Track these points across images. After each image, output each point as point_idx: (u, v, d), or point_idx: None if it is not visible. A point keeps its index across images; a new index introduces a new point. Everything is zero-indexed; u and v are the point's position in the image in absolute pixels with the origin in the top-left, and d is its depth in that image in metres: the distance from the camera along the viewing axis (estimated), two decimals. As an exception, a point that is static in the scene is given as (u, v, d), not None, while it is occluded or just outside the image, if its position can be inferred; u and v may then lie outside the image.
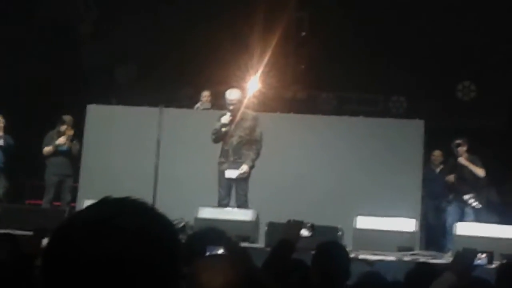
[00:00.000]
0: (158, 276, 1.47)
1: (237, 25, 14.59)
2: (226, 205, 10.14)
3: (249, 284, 3.07)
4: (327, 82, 15.26)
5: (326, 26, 15.26)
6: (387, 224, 9.72)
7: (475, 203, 10.82)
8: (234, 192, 10.23)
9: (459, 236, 9.55)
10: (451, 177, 11.12)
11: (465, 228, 9.74)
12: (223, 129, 10.14)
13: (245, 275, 3.04)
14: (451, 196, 11.20)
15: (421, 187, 11.68)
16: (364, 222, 9.73)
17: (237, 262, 3.06)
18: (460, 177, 11.07)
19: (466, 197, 10.87)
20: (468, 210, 10.87)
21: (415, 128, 12.03)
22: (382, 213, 10.06)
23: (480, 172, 10.98)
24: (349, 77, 14.87)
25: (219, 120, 10.31)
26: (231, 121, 10.15)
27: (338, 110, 14.77)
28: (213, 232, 4.26)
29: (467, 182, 11.03)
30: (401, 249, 9.19)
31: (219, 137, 10.25)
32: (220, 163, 10.29)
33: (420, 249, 9.89)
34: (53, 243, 1.49)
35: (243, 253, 3.24)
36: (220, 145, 10.34)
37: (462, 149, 11.10)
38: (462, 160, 11.07)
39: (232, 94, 10.23)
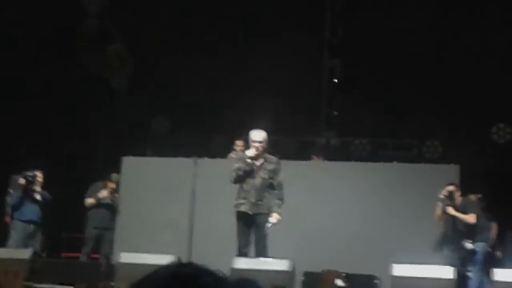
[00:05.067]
0: None
1: (269, 74, 14.70)
2: (247, 254, 9.90)
3: None
4: (360, 128, 15.24)
5: (358, 73, 15.31)
6: (424, 272, 9.59)
7: (467, 245, 10.94)
8: (254, 239, 10.00)
9: (498, 282, 9.43)
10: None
11: (503, 275, 9.61)
12: (249, 162, 9.97)
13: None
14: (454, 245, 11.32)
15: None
16: (401, 270, 9.63)
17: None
18: (455, 226, 11.30)
19: (462, 242, 11.02)
20: (468, 254, 10.95)
21: (450, 173, 11.97)
22: (417, 261, 9.96)
23: (469, 218, 11.10)
24: (382, 123, 14.85)
25: (239, 159, 10.20)
26: (256, 159, 10.07)
27: (372, 156, 14.71)
28: (246, 283, 4.26)
29: (462, 229, 11.23)
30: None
31: (242, 175, 9.98)
32: (239, 204, 10.01)
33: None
34: None
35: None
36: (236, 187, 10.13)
37: (452, 198, 11.25)
38: (450, 211, 11.20)
39: (257, 135, 10.07)
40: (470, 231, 11.12)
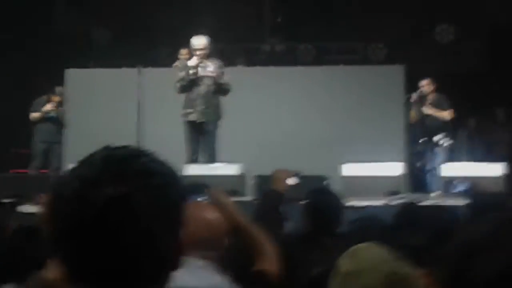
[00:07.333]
0: (164, 219, 1.49)
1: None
2: (196, 161, 10.01)
3: (235, 230, 3.08)
4: (305, 33, 15.17)
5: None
6: (373, 170, 9.73)
7: (444, 142, 10.98)
8: (202, 146, 10.10)
9: (445, 177, 9.64)
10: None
11: (450, 169, 9.81)
12: (191, 72, 9.93)
13: (231, 221, 3.05)
14: (423, 139, 11.36)
15: (404, 131, 11.78)
16: (350, 169, 9.74)
17: (222, 207, 3.07)
18: (428, 121, 11.24)
19: (435, 138, 11.04)
20: (438, 150, 11.05)
21: (395, 74, 12.11)
22: (368, 160, 10.09)
23: (446, 115, 11.14)
24: (327, 27, 14.79)
25: (182, 69, 10.14)
26: (198, 67, 9.99)
27: (318, 60, 14.72)
28: (196, 187, 4.26)
29: (436, 125, 11.21)
30: (388, 193, 9.22)
31: (187, 85, 9.97)
32: (186, 114, 10.07)
33: (408, 192, 9.93)
34: (59, 190, 1.51)
35: (228, 200, 3.25)
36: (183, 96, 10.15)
37: (427, 94, 11.22)
38: (427, 110, 11.20)
39: (197, 42, 10.02)
40: (441, 127, 11.18)
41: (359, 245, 2.46)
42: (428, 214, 4.45)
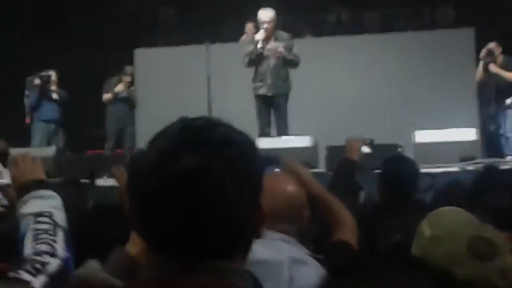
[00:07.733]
0: (243, 188, 1.49)
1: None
2: (268, 134, 10.05)
3: (311, 200, 3.06)
4: (370, 0, 14.97)
5: None
6: (446, 136, 9.59)
7: None
8: (274, 119, 10.14)
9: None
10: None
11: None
12: (259, 46, 9.94)
13: (307, 191, 3.03)
14: (494, 102, 11.18)
15: (476, 95, 11.58)
16: (423, 136, 9.64)
17: (298, 178, 3.05)
18: (498, 83, 11.05)
19: (508, 100, 10.83)
20: (510, 113, 10.87)
21: (465, 37, 11.90)
22: (440, 126, 9.95)
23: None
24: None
25: (250, 43, 10.15)
26: (266, 40, 9.97)
27: (385, 28, 14.51)
28: (269, 160, 4.28)
29: (505, 87, 11.01)
30: (463, 159, 9.09)
31: (255, 59, 10.00)
32: (257, 88, 10.12)
33: (483, 157, 9.76)
34: (139, 161, 1.52)
35: (304, 170, 3.23)
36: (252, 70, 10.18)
37: (494, 56, 11.06)
38: (493, 68, 10.98)
39: (264, 15, 10.03)
40: (511, 89, 11.02)
41: (442, 209, 2.43)
42: (508, 177, 4.36)
